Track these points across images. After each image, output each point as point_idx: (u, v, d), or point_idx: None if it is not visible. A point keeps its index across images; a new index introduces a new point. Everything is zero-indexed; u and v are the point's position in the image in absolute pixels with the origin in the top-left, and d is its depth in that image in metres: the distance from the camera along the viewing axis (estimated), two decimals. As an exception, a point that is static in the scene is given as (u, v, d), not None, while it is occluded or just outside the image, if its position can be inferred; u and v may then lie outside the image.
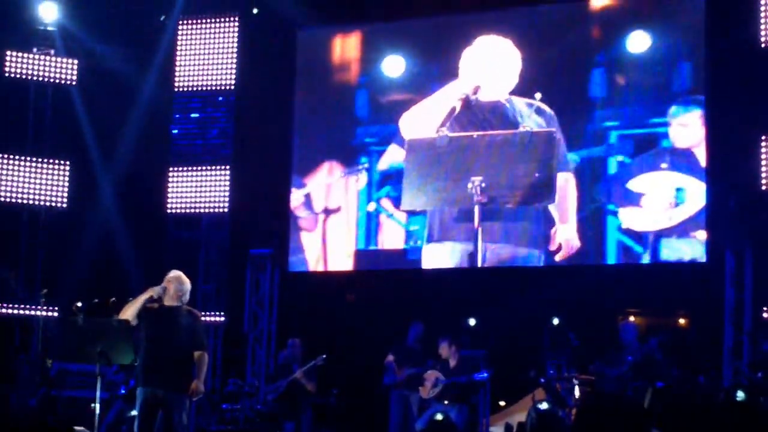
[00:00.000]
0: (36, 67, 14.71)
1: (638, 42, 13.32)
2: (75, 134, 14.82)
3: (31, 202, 14.54)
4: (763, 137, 12.43)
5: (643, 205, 13.16)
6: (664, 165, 13.19)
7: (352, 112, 14.73)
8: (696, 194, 12.95)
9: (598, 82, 13.54)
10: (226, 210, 14.62)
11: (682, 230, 13.02)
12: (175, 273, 9.34)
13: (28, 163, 14.52)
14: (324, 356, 12.61)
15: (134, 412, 9.30)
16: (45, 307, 13.62)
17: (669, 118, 13.16)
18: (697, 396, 11.31)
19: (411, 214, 14.12)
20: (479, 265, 13.60)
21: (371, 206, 14.37)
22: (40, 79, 14.72)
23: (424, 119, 14.06)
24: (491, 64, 13.89)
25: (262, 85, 14.64)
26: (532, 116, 13.48)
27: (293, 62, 14.98)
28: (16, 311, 14.19)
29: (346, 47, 14.91)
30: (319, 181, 14.66)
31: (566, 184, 13.39)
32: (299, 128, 14.94)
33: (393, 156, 14.28)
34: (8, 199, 14.45)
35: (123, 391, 12.16)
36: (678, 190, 13.09)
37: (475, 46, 13.96)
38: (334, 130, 14.77)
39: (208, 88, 14.87)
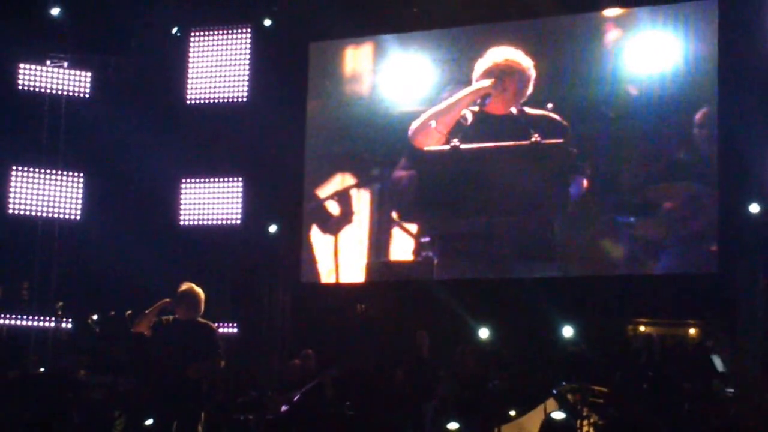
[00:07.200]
0: (49, 80, 14.80)
1: (651, 52, 13.33)
2: (88, 146, 14.90)
3: (45, 214, 14.62)
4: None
5: (655, 215, 13.17)
6: (676, 175, 13.19)
7: (364, 123, 14.76)
8: (707, 204, 12.95)
9: (611, 92, 13.53)
10: (238, 222, 14.68)
11: (693, 240, 13.03)
12: (187, 285, 9.35)
13: (42, 176, 14.61)
14: (333, 371, 12.61)
15: (149, 422, 9.35)
16: (60, 320, 13.70)
17: (681, 128, 13.17)
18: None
19: (423, 225, 14.18)
20: (491, 275, 13.64)
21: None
22: (54, 91, 14.80)
23: (434, 126, 14.11)
24: (503, 74, 13.93)
25: (274, 97, 14.70)
26: (544, 127, 13.51)
27: (305, 73, 15.04)
28: (29, 323, 14.25)
29: (358, 59, 14.96)
30: (331, 192, 14.71)
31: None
32: (311, 139, 14.98)
33: (404, 168, 14.32)
34: (22, 212, 14.53)
35: (138, 401, 12.20)
36: (690, 199, 13.09)
37: (486, 57, 14.00)
38: (346, 142, 14.82)
39: (221, 99, 14.92)
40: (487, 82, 13.93)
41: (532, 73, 13.75)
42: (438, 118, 14.13)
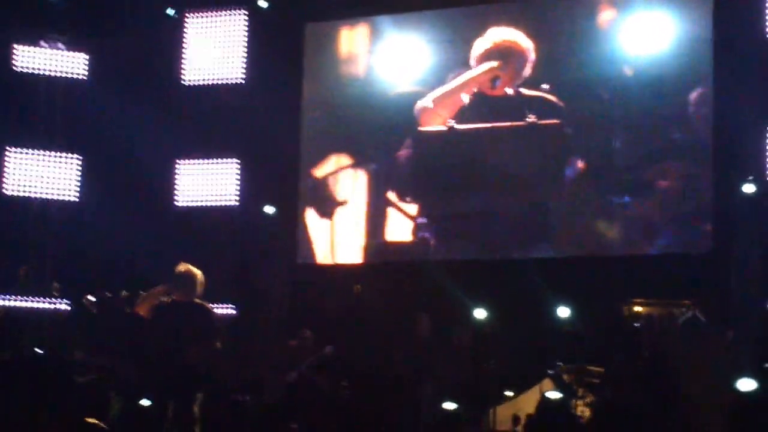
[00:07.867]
0: (45, 61, 14.76)
1: (646, 33, 13.33)
2: (85, 128, 14.88)
3: (41, 195, 14.62)
4: (770, 127, 12.46)
5: (650, 195, 13.20)
6: (671, 155, 13.22)
7: (361, 104, 14.76)
8: (702, 184, 12.98)
9: (606, 73, 13.53)
10: (235, 203, 14.69)
11: (688, 220, 13.06)
12: (183, 266, 9.40)
13: (38, 157, 14.60)
14: (331, 347, 12.64)
15: (146, 403, 9.39)
16: (57, 300, 13.72)
17: (676, 108, 13.18)
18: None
19: (420, 206, 14.20)
20: (487, 256, 13.66)
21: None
22: (50, 73, 14.78)
23: (433, 107, 14.11)
24: (503, 56, 13.93)
25: (270, 78, 14.68)
26: (539, 108, 13.52)
27: (301, 54, 15.04)
28: (26, 304, 14.26)
29: (355, 39, 14.95)
30: (327, 173, 14.72)
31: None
32: (307, 120, 14.99)
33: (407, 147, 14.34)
34: (19, 193, 14.53)
35: (134, 382, 12.21)
36: (685, 179, 13.12)
37: (486, 38, 14.00)
38: (342, 123, 14.82)
39: (217, 81, 14.90)
40: (495, 63, 13.92)
41: (532, 55, 13.74)
42: (442, 100, 14.14)
